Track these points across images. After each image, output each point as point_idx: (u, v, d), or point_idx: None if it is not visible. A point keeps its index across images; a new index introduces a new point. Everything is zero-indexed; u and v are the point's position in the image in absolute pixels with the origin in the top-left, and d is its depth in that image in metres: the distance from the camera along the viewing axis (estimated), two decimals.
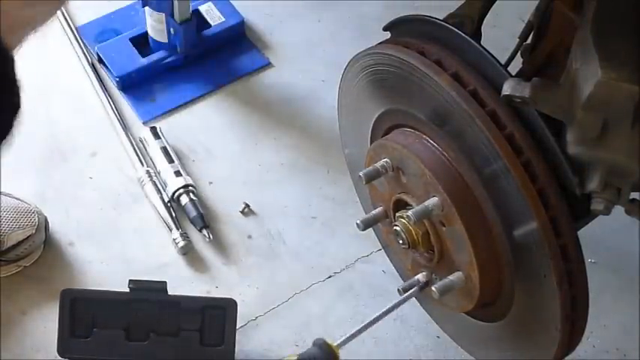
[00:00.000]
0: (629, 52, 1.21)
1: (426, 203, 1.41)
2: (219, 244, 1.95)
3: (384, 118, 1.54)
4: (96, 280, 1.89)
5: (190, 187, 1.99)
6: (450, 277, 1.45)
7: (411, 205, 1.47)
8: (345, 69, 1.58)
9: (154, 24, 2.16)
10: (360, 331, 1.45)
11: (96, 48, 2.22)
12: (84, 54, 2.22)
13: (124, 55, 2.20)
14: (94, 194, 2.02)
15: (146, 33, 2.20)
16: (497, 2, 1.49)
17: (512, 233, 1.36)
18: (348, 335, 1.40)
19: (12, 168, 1.77)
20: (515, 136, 1.30)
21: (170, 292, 1.77)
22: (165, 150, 2.04)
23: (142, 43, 2.21)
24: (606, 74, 1.18)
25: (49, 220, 1.93)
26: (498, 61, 1.34)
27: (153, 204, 1.99)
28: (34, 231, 1.87)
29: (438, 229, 1.44)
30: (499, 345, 1.54)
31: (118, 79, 2.18)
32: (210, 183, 2.05)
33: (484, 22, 1.48)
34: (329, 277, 1.92)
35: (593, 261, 1.85)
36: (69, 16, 2.28)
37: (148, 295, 1.75)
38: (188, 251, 1.93)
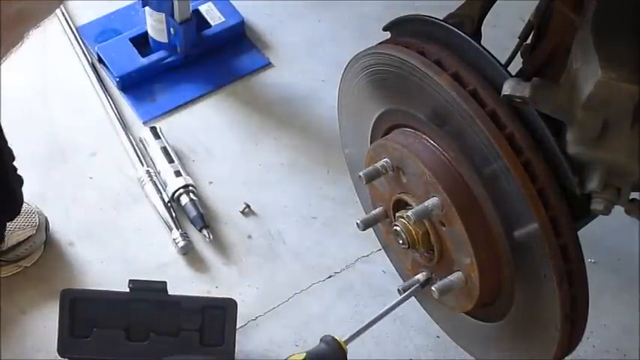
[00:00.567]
0: (629, 52, 1.21)
1: (426, 203, 1.41)
2: (219, 244, 1.95)
3: (384, 118, 1.54)
4: (96, 280, 1.89)
5: (190, 187, 1.99)
6: (450, 277, 1.45)
7: (411, 205, 1.47)
8: (345, 69, 1.58)
9: (154, 24, 2.16)
10: (367, 327, 1.44)
11: (96, 48, 2.22)
12: (84, 54, 2.23)
13: (124, 55, 2.20)
14: (94, 194, 2.02)
15: (146, 33, 2.20)
16: (497, 2, 1.49)
17: (512, 233, 1.36)
18: (355, 331, 1.39)
19: None
20: (515, 136, 1.30)
21: (170, 292, 1.77)
22: (165, 150, 2.04)
23: (142, 43, 2.22)
24: (606, 74, 1.18)
25: (49, 221, 1.93)
26: (498, 61, 1.34)
27: (153, 204, 1.99)
28: (34, 231, 1.87)
29: (438, 229, 1.44)
30: (499, 345, 1.54)
31: (118, 79, 2.18)
32: (210, 183, 2.05)
33: (484, 22, 1.48)
34: (329, 277, 1.92)
35: (593, 261, 1.85)
36: (69, 16, 2.28)
37: (147, 295, 1.75)
38: (188, 251, 1.93)
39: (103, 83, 2.18)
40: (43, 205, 1.94)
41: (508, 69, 1.37)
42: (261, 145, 2.11)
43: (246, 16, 2.29)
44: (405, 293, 1.54)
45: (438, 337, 1.81)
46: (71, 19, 2.28)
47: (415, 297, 1.63)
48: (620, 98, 1.18)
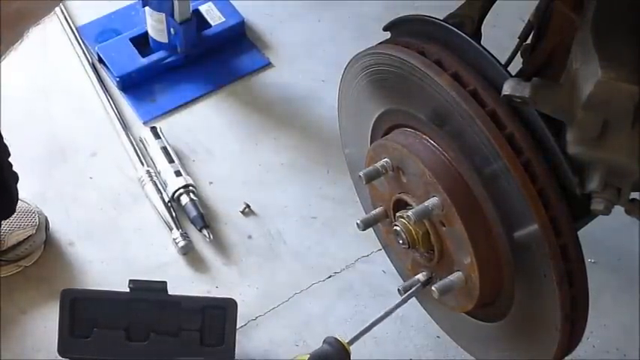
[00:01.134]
0: (629, 52, 1.21)
1: (426, 203, 1.41)
2: (219, 244, 1.95)
3: (384, 118, 1.54)
4: (96, 280, 1.89)
5: (190, 187, 1.99)
6: (450, 277, 1.45)
7: (411, 205, 1.47)
8: (345, 69, 1.58)
9: (154, 24, 2.16)
10: (370, 327, 1.44)
11: (96, 48, 2.22)
12: (84, 54, 2.23)
13: (124, 55, 2.20)
14: (95, 194, 2.02)
15: (146, 33, 2.20)
16: (497, 2, 1.49)
17: (512, 233, 1.36)
18: (358, 332, 1.39)
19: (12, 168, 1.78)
20: (515, 136, 1.30)
21: (170, 292, 1.77)
22: (165, 150, 2.04)
23: (142, 43, 2.22)
24: (606, 74, 1.18)
25: (49, 220, 1.93)
26: (498, 61, 1.34)
27: (153, 204, 1.99)
28: (34, 231, 1.87)
29: (438, 229, 1.44)
30: (499, 345, 1.54)
31: (118, 79, 2.18)
32: (211, 183, 2.05)
33: (484, 22, 1.48)
34: (329, 277, 1.92)
35: (593, 261, 1.85)
36: (69, 16, 2.28)
37: (148, 295, 1.75)
38: (188, 251, 1.93)
39: (103, 83, 2.18)
40: (43, 205, 1.94)
41: (508, 69, 1.37)
42: (260, 145, 2.11)
43: (246, 16, 2.29)
44: (408, 293, 1.54)
45: (438, 337, 1.81)
46: (71, 19, 2.28)
47: (415, 297, 1.63)
48: (620, 98, 1.18)
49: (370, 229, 1.67)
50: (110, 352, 1.74)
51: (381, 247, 1.83)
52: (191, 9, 2.15)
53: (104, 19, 2.30)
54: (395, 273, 1.78)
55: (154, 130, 2.08)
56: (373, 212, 1.57)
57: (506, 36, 1.68)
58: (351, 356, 1.74)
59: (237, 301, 1.76)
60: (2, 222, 1.83)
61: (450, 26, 1.40)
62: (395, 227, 1.49)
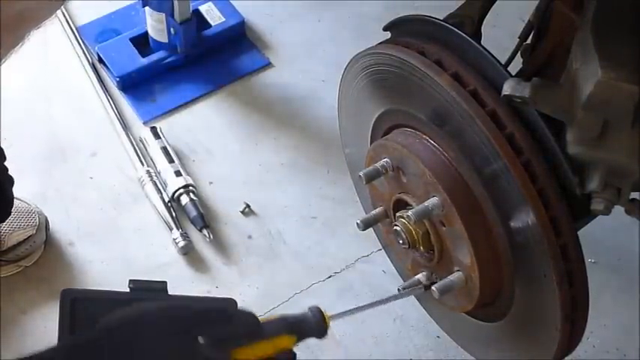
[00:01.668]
0: (629, 52, 1.21)
1: (426, 203, 1.41)
2: (219, 244, 1.95)
3: (384, 118, 1.54)
4: (96, 280, 1.89)
5: (190, 187, 1.99)
6: (450, 277, 1.45)
7: (411, 205, 1.47)
8: (345, 69, 1.58)
9: (154, 24, 2.16)
10: (361, 309, 1.42)
11: (96, 48, 2.22)
12: (84, 54, 2.23)
13: (124, 55, 2.20)
14: (95, 194, 2.02)
15: (146, 33, 2.20)
16: (497, 2, 1.49)
17: (512, 233, 1.36)
18: (345, 310, 1.38)
19: (12, 168, 1.77)
20: (515, 136, 1.30)
21: (170, 292, 1.76)
22: (165, 150, 2.05)
23: (142, 43, 2.22)
24: (606, 74, 1.18)
25: (49, 220, 1.93)
26: (498, 61, 1.34)
27: (153, 204, 1.99)
28: (34, 231, 1.88)
29: (438, 229, 1.44)
30: (499, 345, 1.54)
31: (118, 79, 2.18)
32: (211, 183, 2.05)
33: (484, 22, 1.48)
34: (329, 277, 1.92)
35: (593, 261, 1.85)
36: (69, 16, 2.28)
37: (148, 295, 1.75)
38: (188, 251, 1.93)
39: (103, 83, 2.19)
40: (43, 205, 1.94)
41: (508, 69, 1.37)
42: (261, 145, 2.11)
43: (246, 16, 2.29)
44: (406, 290, 1.53)
45: (438, 337, 1.81)
46: (71, 19, 2.28)
47: (415, 296, 1.63)
48: (620, 98, 1.18)
49: (370, 229, 1.67)
50: None
51: (381, 247, 1.83)
52: (191, 9, 2.15)
53: (104, 19, 2.31)
54: (395, 273, 1.78)
55: (153, 130, 2.08)
56: (373, 212, 1.57)
57: (506, 36, 1.68)
58: (352, 356, 1.74)
59: (237, 301, 1.74)
60: (2, 222, 1.83)
61: (450, 26, 1.40)
62: (395, 227, 1.49)
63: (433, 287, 1.45)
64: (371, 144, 1.56)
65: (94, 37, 2.27)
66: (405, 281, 1.59)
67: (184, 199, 1.97)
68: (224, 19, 2.26)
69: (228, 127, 2.14)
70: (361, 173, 1.50)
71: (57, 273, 1.90)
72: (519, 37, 1.48)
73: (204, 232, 1.94)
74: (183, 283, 1.87)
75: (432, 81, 1.36)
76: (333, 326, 1.83)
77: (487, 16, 1.49)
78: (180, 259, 1.93)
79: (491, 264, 1.41)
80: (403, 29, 1.49)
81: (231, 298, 1.77)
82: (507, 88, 1.27)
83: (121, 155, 2.08)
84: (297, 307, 1.86)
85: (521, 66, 1.45)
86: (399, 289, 1.55)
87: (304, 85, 2.21)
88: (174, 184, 1.99)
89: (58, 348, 1.06)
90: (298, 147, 2.10)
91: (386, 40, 1.51)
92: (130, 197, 2.02)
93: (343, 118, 1.69)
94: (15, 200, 1.87)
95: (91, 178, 2.05)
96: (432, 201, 1.41)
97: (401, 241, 1.49)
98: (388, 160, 1.48)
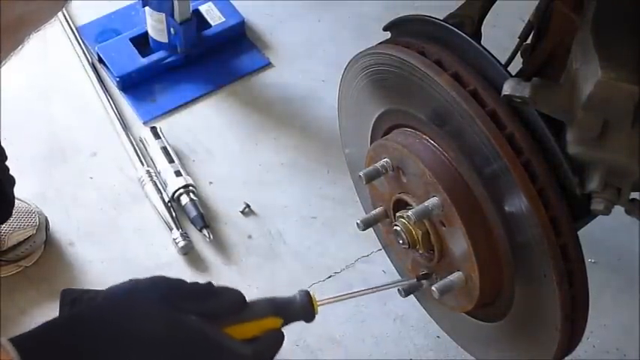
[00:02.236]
0: (629, 52, 1.21)
1: (426, 203, 1.41)
2: (219, 244, 1.95)
3: (384, 118, 1.54)
4: (96, 280, 1.89)
5: (190, 187, 1.99)
6: (450, 277, 1.44)
7: (411, 205, 1.47)
8: (345, 69, 1.58)
9: (154, 24, 2.16)
10: (351, 296, 1.41)
11: (96, 48, 2.22)
12: (84, 54, 2.23)
13: (124, 55, 2.20)
14: (95, 194, 2.02)
15: (146, 33, 2.21)
16: (497, 2, 1.49)
17: (512, 233, 1.36)
18: (335, 296, 1.36)
19: (12, 168, 1.77)
20: (515, 136, 1.30)
21: None
22: (165, 150, 2.05)
23: (142, 43, 2.22)
24: (606, 74, 1.18)
25: (49, 220, 1.93)
26: (498, 61, 1.34)
27: (153, 204, 1.99)
28: (34, 231, 1.88)
29: (438, 229, 1.44)
30: (499, 345, 1.54)
31: (118, 79, 2.18)
32: (210, 183, 2.05)
33: (484, 22, 1.48)
34: (329, 277, 1.92)
35: (593, 261, 1.85)
36: (69, 16, 2.28)
37: None
38: (188, 251, 1.93)
39: (103, 83, 2.19)
40: (43, 205, 1.94)
41: (508, 69, 1.37)
42: (260, 145, 2.11)
43: (246, 16, 2.29)
44: (405, 283, 1.53)
45: (438, 337, 1.81)
46: (71, 19, 2.28)
47: (415, 296, 1.63)
48: (620, 98, 1.18)
49: (370, 229, 1.67)
50: None
51: (381, 247, 1.83)
52: (191, 9, 2.16)
53: (104, 19, 2.31)
54: (395, 273, 1.78)
55: (154, 130, 2.08)
56: (373, 212, 1.57)
57: (506, 36, 1.69)
58: (352, 356, 1.74)
59: None
60: (3, 223, 1.83)
61: (450, 26, 1.40)
62: (395, 227, 1.49)
63: (433, 287, 1.45)
64: (371, 144, 1.56)
65: (94, 37, 2.27)
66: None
67: (184, 199, 1.97)
68: (224, 19, 2.26)
69: (228, 127, 2.14)
70: (361, 173, 1.50)
71: (57, 273, 1.90)
72: (519, 37, 1.48)
73: (204, 232, 1.94)
74: None
75: (432, 81, 1.36)
76: (333, 326, 1.84)
77: (487, 16, 1.49)
78: (180, 259, 1.93)
79: (491, 264, 1.41)
80: (403, 29, 1.49)
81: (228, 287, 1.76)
82: (507, 88, 1.27)
83: (121, 155, 2.08)
84: None
85: (521, 66, 1.45)
86: (399, 290, 1.54)
87: (304, 85, 2.21)
88: (174, 184, 1.99)
89: (46, 324, 1.07)
90: (298, 147, 2.10)
91: (386, 40, 1.51)
92: (130, 197, 2.02)
93: (343, 118, 1.69)
94: (15, 200, 1.88)
95: (91, 178, 2.05)
96: (432, 201, 1.41)
97: (401, 241, 1.49)
98: (388, 160, 1.48)
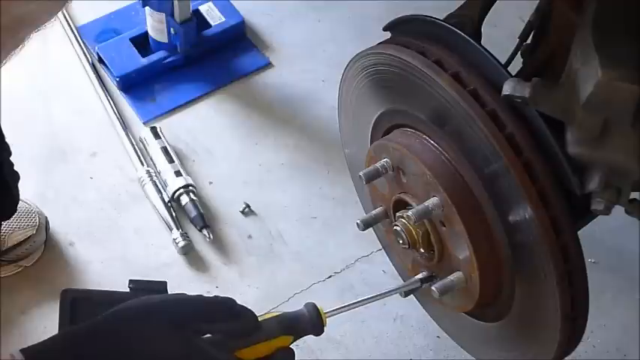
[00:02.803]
0: (629, 52, 1.21)
1: (426, 203, 1.41)
2: (219, 244, 1.95)
3: (384, 118, 1.54)
4: (96, 280, 1.89)
5: (190, 187, 1.99)
6: (450, 277, 1.44)
7: (411, 205, 1.47)
8: (345, 69, 1.58)
9: (154, 24, 2.16)
10: (357, 305, 1.42)
11: (96, 48, 2.22)
12: (84, 54, 2.23)
13: (124, 55, 2.20)
14: (95, 194, 2.02)
15: (146, 33, 2.21)
16: (497, 2, 1.49)
17: (512, 233, 1.36)
18: (342, 306, 1.37)
19: None
20: (515, 136, 1.30)
21: (170, 292, 1.76)
22: (165, 150, 2.05)
23: (142, 43, 2.22)
24: (606, 74, 1.18)
25: (49, 221, 1.93)
26: (498, 61, 1.34)
27: (153, 204, 1.99)
28: (34, 231, 1.88)
29: (438, 229, 1.44)
30: (499, 345, 1.54)
31: (118, 79, 2.18)
32: (210, 183, 2.05)
33: (484, 22, 1.48)
34: (329, 277, 1.92)
35: (593, 261, 1.85)
36: (69, 16, 2.28)
37: (148, 295, 1.75)
38: (188, 251, 1.93)
39: (103, 83, 2.19)
40: (43, 205, 1.94)
41: (508, 69, 1.37)
42: (261, 145, 2.11)
43: (246, 16, 2.29)
44: (405, 284, 1.53)
45: (438, 337, 1.81)
46: (71, 19, 2.28)
47: (414, 294, 1.63)
48: (620, 98, 1.18)
49: (370, 229, 1.67)
50: None
51: (381, 247, 1.83)
52: (191, 9, 2.16)
53: (104, 19, 2.31)
54: (395, 273, 1.78)
55: (154, 130, 2.08)
56: (373, 212, 1.57)
57: (506, 36, 1.68)
58: (352, 356, 1.74)
59: (237, 301, 1.76)
60: (2, 222, 1.83)
61: (450, 26, 1.40)
62: (395, 227, 1.49)
63: (433, 287, 1.45)
64: (371, 144, 1.56)
65: (94, 37, 2.27)
66: (404, 281, 1.59)
67: (184, 199, 1.97)
68: (224, 19, 2.26)
69: (228, 127, 2.14)
70: (361, 173, 1.50)
71: (57, 273, 1.90)
72: (519, 37, 1.48)
73: (204, 232, 1.94)
74: (183, 283, 1.87)
75: (432, 81, 1.36)
76: (333, 326, 1.84)
77: (487, 16, 1.49)
78: (180, 259, 1.93)
79: (491, 264, 1.41)
80: (403, 29, 1.49)
81: (231, 298, 1.77)
82: (507, 88, 1.27)
83: (121, 155, 2.08)
84: (298, 307, 1.87)
85: (521, 66, 1.45)
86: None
87: (304, 85, 2.21)
88: (174, 184, 1.99)
89: (57, 337, 1.07)
90: (298, 147, 2.10)
91: (386, 40, 1.51)
92: (130, 197, 2.02)
93: (343, 118, 1.69)
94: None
95: (91, 178, 2.05)
96: (432, 201, 1.41)
97: (401, 241, 1.49)
98: (388, 160, 1.48)
